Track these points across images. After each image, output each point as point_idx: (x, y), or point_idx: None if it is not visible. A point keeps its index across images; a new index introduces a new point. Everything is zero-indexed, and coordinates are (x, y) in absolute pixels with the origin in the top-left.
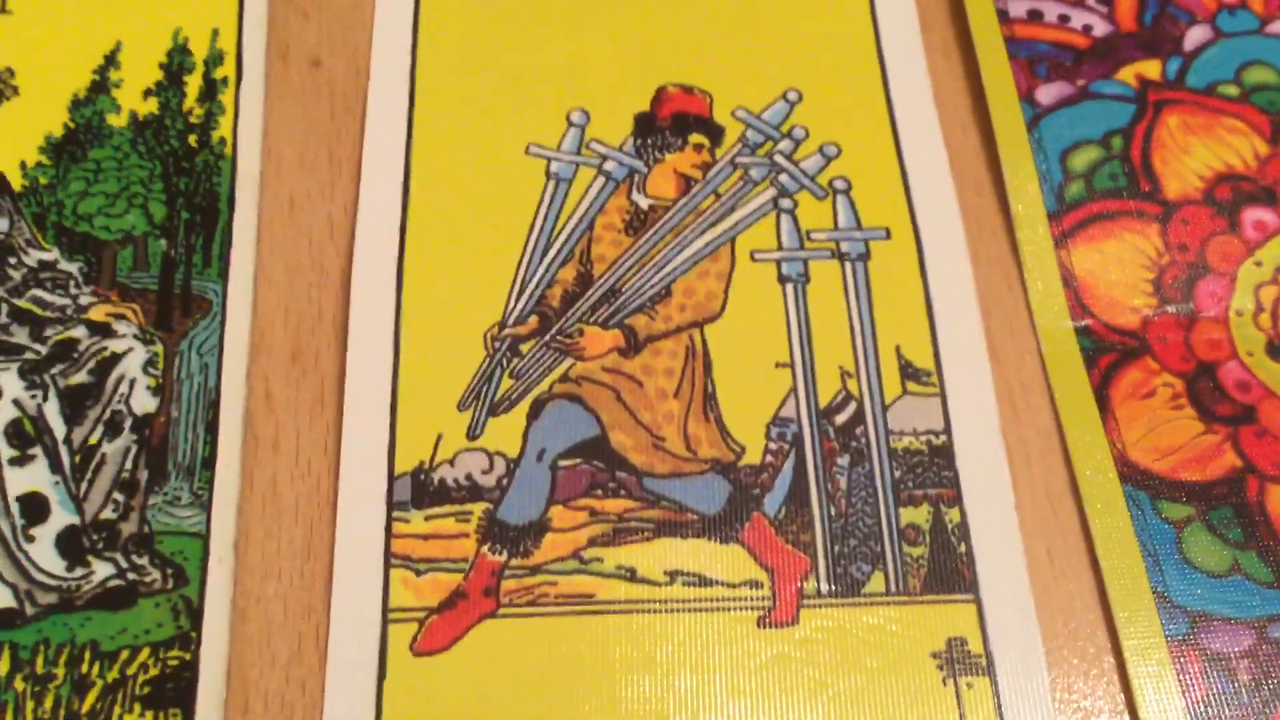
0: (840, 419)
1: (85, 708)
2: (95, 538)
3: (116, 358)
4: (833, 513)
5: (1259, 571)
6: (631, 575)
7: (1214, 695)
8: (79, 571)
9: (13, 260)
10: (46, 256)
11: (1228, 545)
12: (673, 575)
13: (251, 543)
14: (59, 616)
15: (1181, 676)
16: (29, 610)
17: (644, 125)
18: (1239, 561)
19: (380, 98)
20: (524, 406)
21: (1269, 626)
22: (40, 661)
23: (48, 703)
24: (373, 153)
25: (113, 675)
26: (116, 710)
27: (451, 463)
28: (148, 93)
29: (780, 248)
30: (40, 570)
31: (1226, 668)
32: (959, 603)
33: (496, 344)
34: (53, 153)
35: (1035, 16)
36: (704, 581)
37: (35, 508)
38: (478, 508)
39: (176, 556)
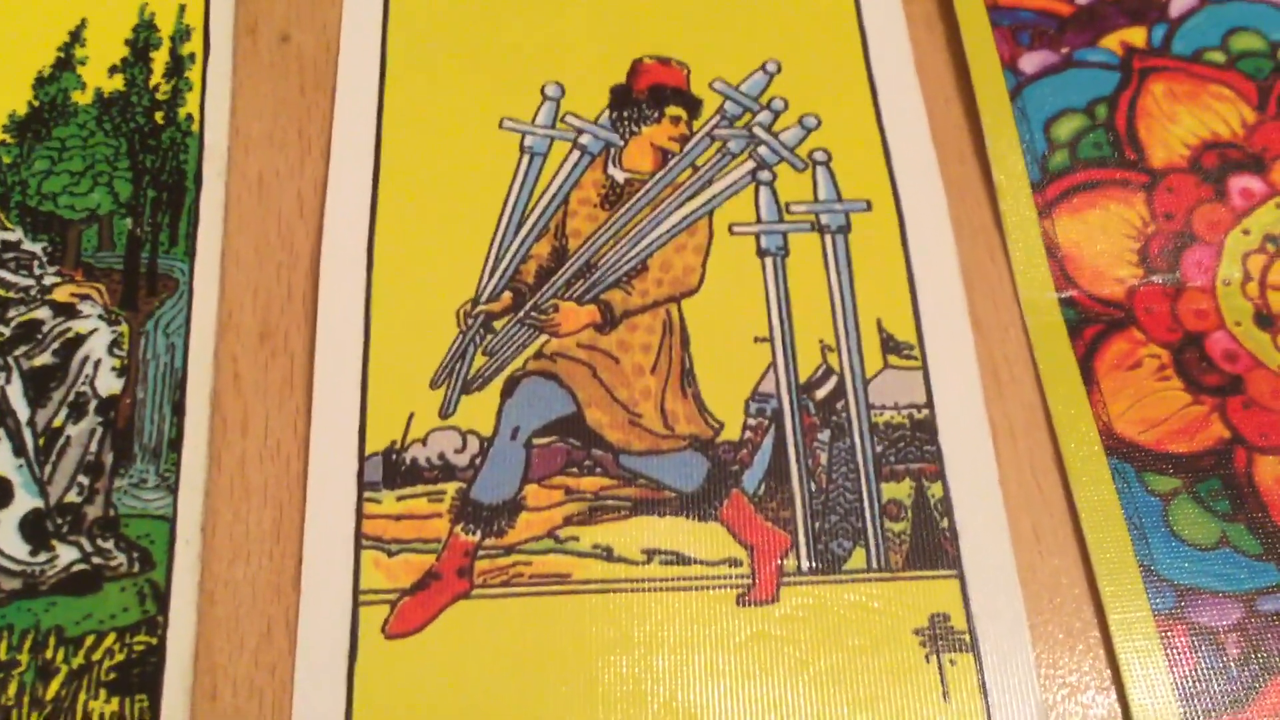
0: (820, 393)
1: (50, 694)
2: (60, 521)
3: (81, 338)
4: (813, 489)
5: (1247, 544)
6: (608, 554)
7: (1202, 670)
8: (43, 556)
9: None
10: (10, 236)
11: (1215, 517)
12: (650, 554)
13: (219, 525)
14: (22, 602)
15: (1169, 651)
16: None
17: (620, 98)
18: (1227, 534)
19: (350, 73)
20: (498, 384)
21: (1258, 600)
22: (3, 648)
23: (11, 689)
24: (343, 129)
25: (78, 661)
26: (82, 697)
27: (424, 442)
28: (113, 69)
29: (759, 220)
30: (3, 555)
31: (1214, 642)
32: (942, 578)
33: (469, 321)
34: (16, 131)
35: None
36: (682, 560)
37: None
38: (451, 487)
39: (143, 540)
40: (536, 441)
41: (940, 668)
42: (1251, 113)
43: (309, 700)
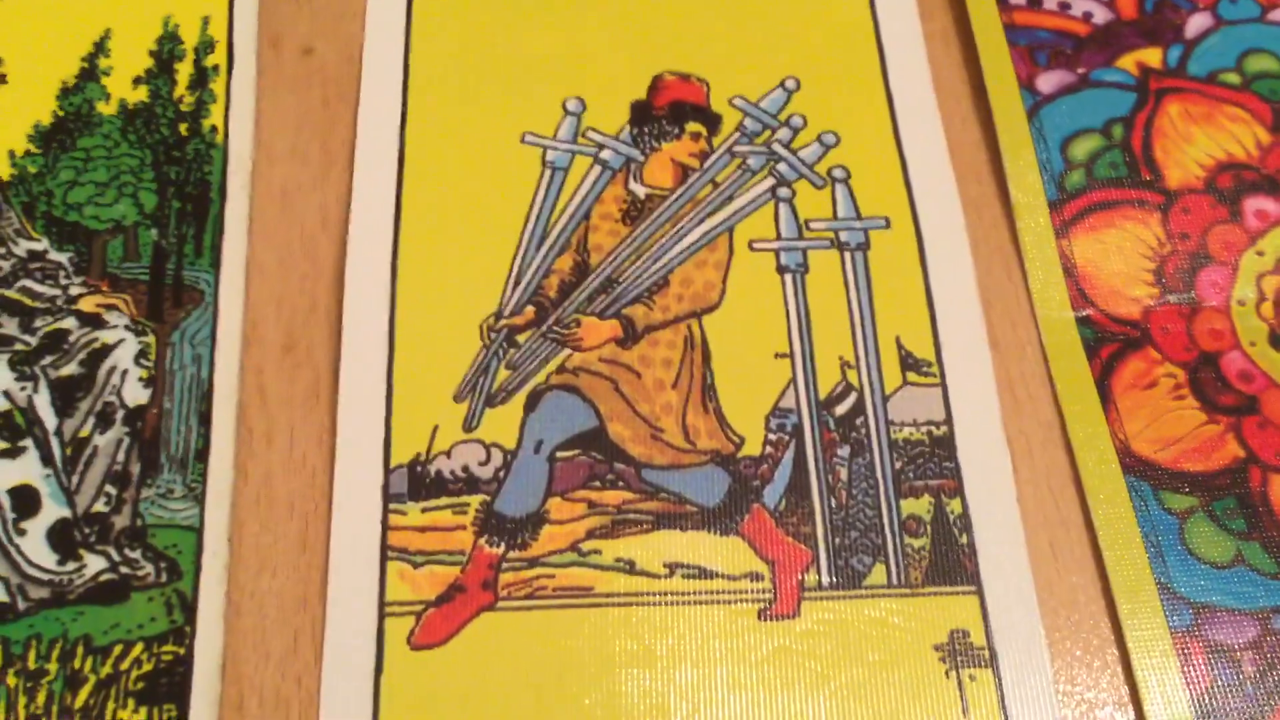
0: (840, 410)
1: (79, 703)
2: (87, 531)
3: (108, 349)
4: (833, 504)
5: (1262, 562)
6: (630, 568)
7: (1219, 687)
8: (71, 565)
9: (2, 250)
10: (36, 246)
11: (1231, 536)
12: (672, 568)
13: (246, 536)
14: (51, 611)
15: (1186, 668)
16: (21, 605)
17: (641, 113)
18: (1242, 552)
19: (373, 86)
20: (521, 397)
21: (1273, 617)
22: (32, 656)
23: (40, 698)
24: (366, 142)
25: (106, 670)
26: (110, 706)
27: (448, 454)
28: (138, 80)
29: (779, 237)
30: (32, 564)
31: (1231, 659)
32: (961, 594)
33: (493, 334)
34: (42, 141)
35: (1035, 3)
36: (704, 574)
37: (26, 501)
38: (475, 500)
39: (170, 550)
40: (559, 455)
41: (960, 684)
42: (1266, 134)
43: (335, 711)
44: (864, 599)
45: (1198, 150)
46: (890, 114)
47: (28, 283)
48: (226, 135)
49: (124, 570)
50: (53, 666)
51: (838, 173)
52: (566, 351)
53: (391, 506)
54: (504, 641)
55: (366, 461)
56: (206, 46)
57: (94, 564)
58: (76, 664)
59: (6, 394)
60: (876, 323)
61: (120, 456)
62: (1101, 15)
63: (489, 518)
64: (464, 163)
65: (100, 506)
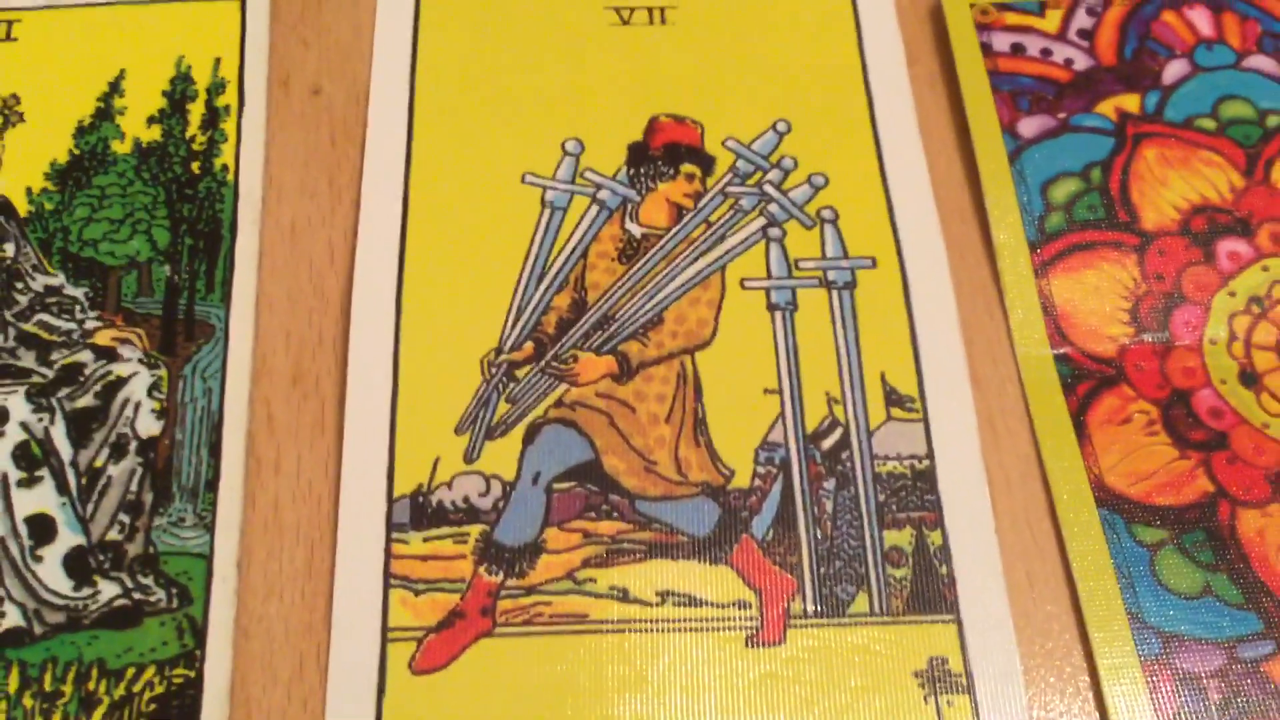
0: (826, 444)
1: None
2: (102, 558)
3: (122, 381)
4: (819, 535)
5: (1229, 593)
6: (624, 596)
7: (1185, 714)
8: (86, 591)
9: (19, 285)
10: (53, 281)
11: (1199, 568)
12: (664, 596)
13: (254, 563)
14: (66, 635)
15: (1154, 695)
16: (37, 629)
17: (637, 154)
18: (1210, 583)
19: (379, 125)
20: (520, 431)
21: (1239, 646)
22: (48, 679)
23: (56, 719)
24: (372, 179)
25: (119, 693)
26: None
27: (449, 485)
28: (151, 120)
29: (769, 276)
30: (48, 590)
31: (1198, 687)
32: (940, 623)
33: (493, 369)
34: (58, 179)
35: (1018, 50)
36: (694, 602)
37: (43, 529)
38: (475, 529)
39: (181, 576)
40: (556, 487)
41: (938, 709)
42: (1240, 178)
43: None
44: (847, 626)
45: (1173, 193)
46: (877, 156)
47: (45, 317)
48: (237, 173)
49: (137, 596)
50: (68, 689)
51: (826, 213)
52: (564, 386)
53: (394, 535)
54: (502, 666)
55: (371, 491)
56: (218, 87)
57: (108, 590)
58: (91, 686)
59: (24, 425)
60: (862, 359)
61: (133, 486)
62: (1082, 62)
63: (488, 547)
64: (466, 201)
65: (114, 534)
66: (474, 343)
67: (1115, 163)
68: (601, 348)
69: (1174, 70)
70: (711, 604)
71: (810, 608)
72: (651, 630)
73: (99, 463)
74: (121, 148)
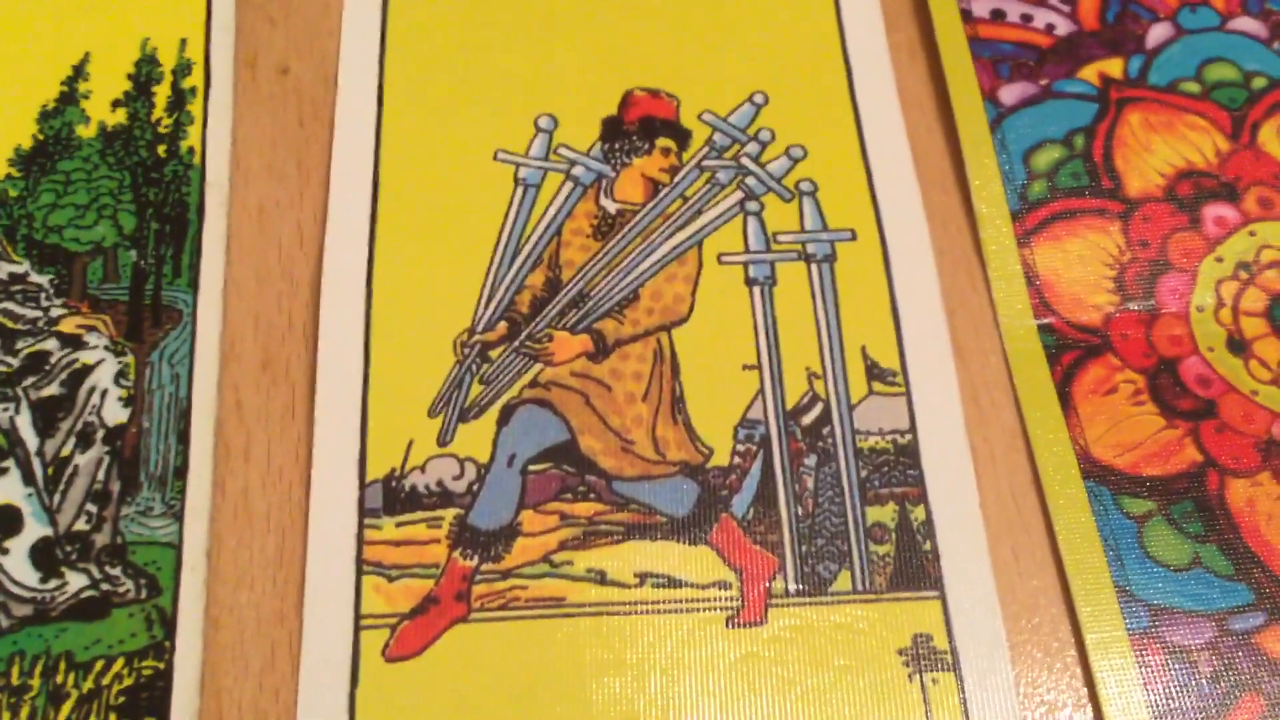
0: (807, 419)
1: (61, 718)
2: (69, 549)
3: (88, 369)
4: (800, 513)
5: (1219, 564)
6: (601, 578)
7: (1175, 688)
8: (53, 583)
9: None
10: (17, 269)
11: (1188, 539)
12: (642, 577)
13: (224, 552)
14: (33, 628)
15: (1143, 670)
16: (3, 622)
17: (611, 129)
18: (1199, 555)
19: (348, 105)
20: (494, 412)
21: (1229, 619)
22: (15, 673)
23: (23, 714)
24: (341, 160)
25: (88, 686)
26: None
27: (422, 469)
28: (116, 103)
29: (747, 250)
30: (14, 582)
31: (1187, 660)
32: (925, 600)
33: (466, 350)
34: (22, 164)
35: (998, 16)
36: (673, 583)
37: (8, 520)
38: (449, 513)
39: (149, 566)
40: (532, 468)
41: (923, 687)
42: (1225, 142)
43: None
44: (829, 605)
45: (1158, 159)
46: (856, 127)
47: (9, 305)
48: (204, 156)
49: (105, 587)
50: (35, 682)
51: (805, 186)
52: (538, 366)
53: (367, 521)
54: (477, 652)
55: (342, 476)
56: (184, 68)
57: (75, 581)
58: (59, 679)
59: None
60: (843, 333)
61: (100, 475)
62: (1064, 27)
63: (463, 531)
64: (438, 180)
65: (81, 525)
66: (446, 324)
67: (1098, 129)
68: (576, 326)
69: (1157, 33)
70: (691, 585)
71: (792, 587)
72: (630, 613)
73: (65, 452)
74: (86, 132)
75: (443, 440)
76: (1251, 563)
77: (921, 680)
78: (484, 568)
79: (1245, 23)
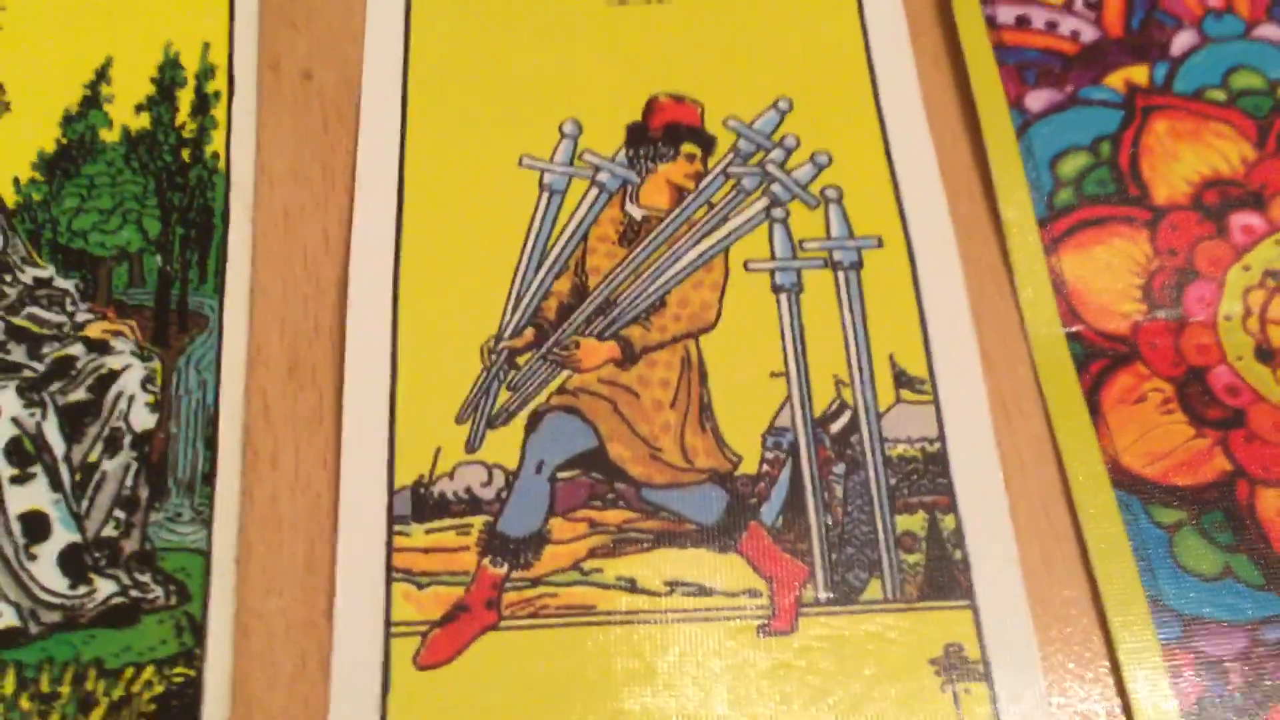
0: (835, 427)
1: None
2: (97, 555)
3: (114, 375)
4: (829, 521)
5: (1250, 574)
6: (631, 586)
7: (1208, 698)
8: (82, 589)
9: (8, 278)
10: (42, 274)
11: (1219, 549)
12: (672, 585)
13: (253, 558)
14: (63, 635)
15: (1175, 680)
16: (33, 629)
17: (636, 135)
18: (1230, 565)
19: (372, 109)
20: (522, 419)
21: (1261, 629)
22: (45, 680)
23: None
24: (366, 164)
25: (118, 693)
26: None
27: (451, 476)
28: (140, 107)
29: (773, 257)
30: (43, 589)
31: (1220, 670)
32: (956, 609)
33: (493, 356)
34: (45, 169)
35: (1023, 23)
36: (703, 591)
37: (36, 526)
38: (478, 520)
39: (179, 573)
40: (560, 475)
41: (955, 697)
42: (1252, 150)
43: None
44: (860, 614)
45: (1184, 167)
46: (882, 133)
47: (34, 309)
48: (228, 160)
49: (134, 594)
50: (65, 690)
51: (830, 193)
52: (566, 373)
53: (396, 528)
54: (508, 660)
55: (371, 483)
56: (207, 72)
57: (104, 588)
58: (89, 686)
59: (15, 421)
60: (870, 341)
61: (128, 481)
62: (1089, 34)
63: (492, 538)
64: (463, 185)
65: (110, 531)
66: (473, 329)
67: (1125, 136)
68: (603, 333)
69: (1182, 41)
70: (721, 593)
71: (822, 595)
72: (660, 621)
73: (93, 458)
74: (110, 136)
75: (471, 447)
76: None
77: (954, 690)
78: (513, 575)
79: (1271, 30)
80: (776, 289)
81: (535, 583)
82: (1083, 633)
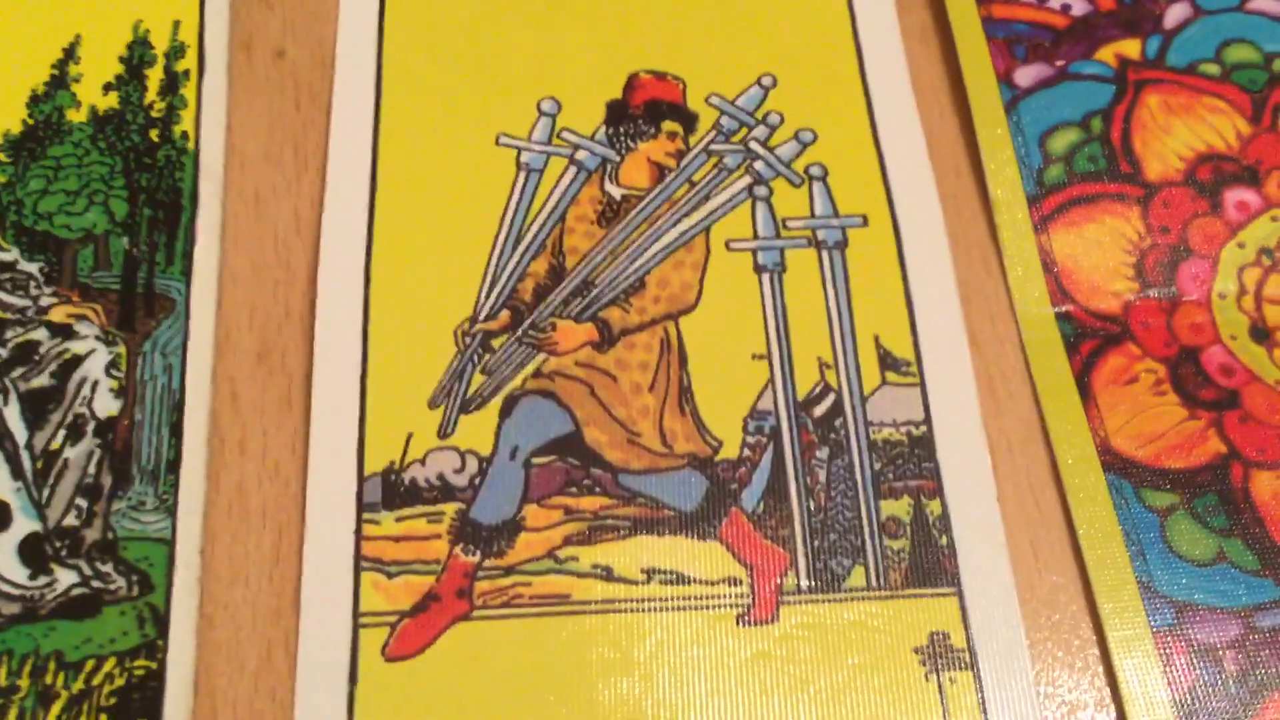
0: (819, 411)
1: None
2: (58, 545)
3: (78, 360)
4: (812, 507)
5: (1244, 559)
6: (608, 574)
7: (1200, 686)
8: (42, 580)
9: None
10: (6, 257)
11: (1212, 533)
12: (650, 573)
13: (218, 548)
14: (22, 627)
15: (1167, 668)
16: None
17: (616, 113)
18: (1224, 549)
19: (346, 89)
20: (496, 403)
21: (1255, 615)
22: (3, 673)
23: (12, 715)
24: (339, 145)
25: (78, 686)
26: None
27: (423, 462)
28: (108, 87)
29: (756, 236)
30: (2, 579)
31: (1213, 658)
32: (941, 596)
33: (467, 340)
34: (11, 150)
35: None
36: (682, 579)
37: None
38: (450, 508)
39: (141, 563)
40: (535, 461)
41: (940, 686)
42: (1246, 125)
43: None
44: (843, 602)
45: (1177, 142)
46: (868, 110)
47: None
48: (198, 141)
49: (95, 584)
50: (24, 683)
51: (815, 170)
52: (542, 356)
53: (365, 516)
54: (480, 651)
55: (340, 470)
56: (177, 51)
57: (65, 578)
58: (48, 680)
59: None
60: (855, 322)
61: (91, 469)
62: (1080, 7)
63: (465, 526)
64: (438, 165)
65: (71, 520)
66: (447, 312)
67: (1116, 111)
68: (581, 315)
69: (1175, 13)
70: (700, 581)
71: (804, 583)
72: (637, 610)
73: (55, 445)
74: (77, 116)
75: (443, 432)
76: (1278, 557)
77: (939, 679)
78: (486, 564)
79: (1265, 2)
80: (759, 269)
81: (508, 571)
82: (1072, 620)
